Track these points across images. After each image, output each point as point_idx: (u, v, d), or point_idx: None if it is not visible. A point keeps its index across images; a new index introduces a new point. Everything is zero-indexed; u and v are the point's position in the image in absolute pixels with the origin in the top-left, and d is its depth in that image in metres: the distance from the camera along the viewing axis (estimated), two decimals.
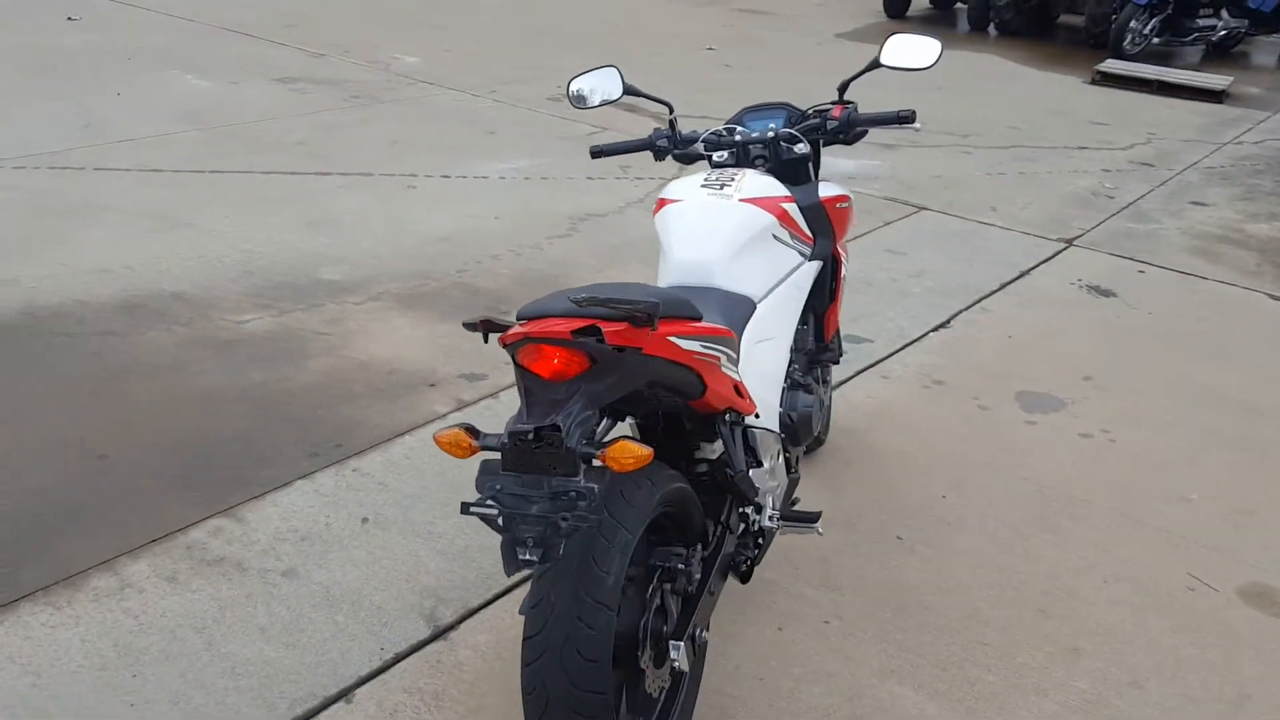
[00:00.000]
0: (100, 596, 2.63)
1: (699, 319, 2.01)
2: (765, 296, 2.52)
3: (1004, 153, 7.18)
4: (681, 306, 1.98)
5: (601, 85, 2.84)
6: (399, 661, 2.50)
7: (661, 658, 2.04)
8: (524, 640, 1.83)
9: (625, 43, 10.02)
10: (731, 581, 2.44)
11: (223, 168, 5.83)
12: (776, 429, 2.49)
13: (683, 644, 2.07)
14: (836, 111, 2.85)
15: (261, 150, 6.15)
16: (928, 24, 12.56)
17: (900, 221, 5.73)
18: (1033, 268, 5.19)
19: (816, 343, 3.01)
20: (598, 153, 2.83)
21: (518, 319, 1.77)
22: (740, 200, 2.52)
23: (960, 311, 4.62)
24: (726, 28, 11.33)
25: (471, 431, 1.73)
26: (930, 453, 3.49)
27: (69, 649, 2.48)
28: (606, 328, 1.72)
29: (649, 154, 2.84)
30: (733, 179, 2.59)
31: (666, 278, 2.47)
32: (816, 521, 2.60)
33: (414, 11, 10.73)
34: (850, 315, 4.24)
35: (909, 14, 12.84)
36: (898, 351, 4.22)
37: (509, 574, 1.73)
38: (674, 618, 2.10)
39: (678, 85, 7.34)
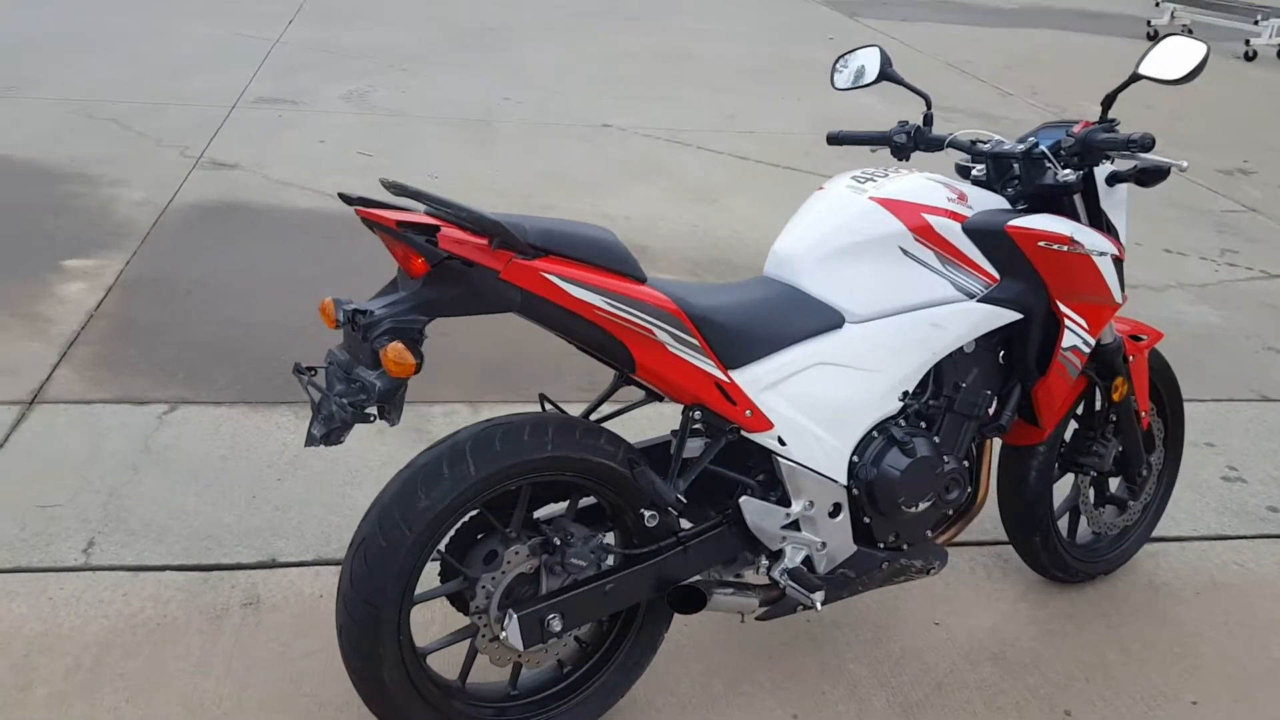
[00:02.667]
0: None
1: (621, 273, 1.77)
2: (870, 319, 2.05)
3: None
4: (598, 252, 1.77)
5: (859, 67, 2.48)
6: None
7: (489, 620, 1.91)
8: None
9: None
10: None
11: None
12: (837, 477, 2.03)
13: (517, 617, 1.85)
14: (1078, 129, 2.16)
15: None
16: None
17: None
18: None
19: (1001, 417, 2.31)
20: (834, 139, 2.50)
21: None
22: (871, 198, 2.07)
23: None
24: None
25: (340, 304, 1.73)
26: None
27: None
28: (452, 234, 1.66)
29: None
30: (886, 174, 2.14)
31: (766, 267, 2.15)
32: (817, 592, 2.06)
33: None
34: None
35: None
36: None
37: (305, 445, 1.75)
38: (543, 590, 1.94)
39: None
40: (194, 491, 2.74)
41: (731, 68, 8.56)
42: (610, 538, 2.03)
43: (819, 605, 2.07)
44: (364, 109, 6.44)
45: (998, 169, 2.29)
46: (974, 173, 2.34)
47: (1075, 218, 2.25)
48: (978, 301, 2.13)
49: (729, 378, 1.93)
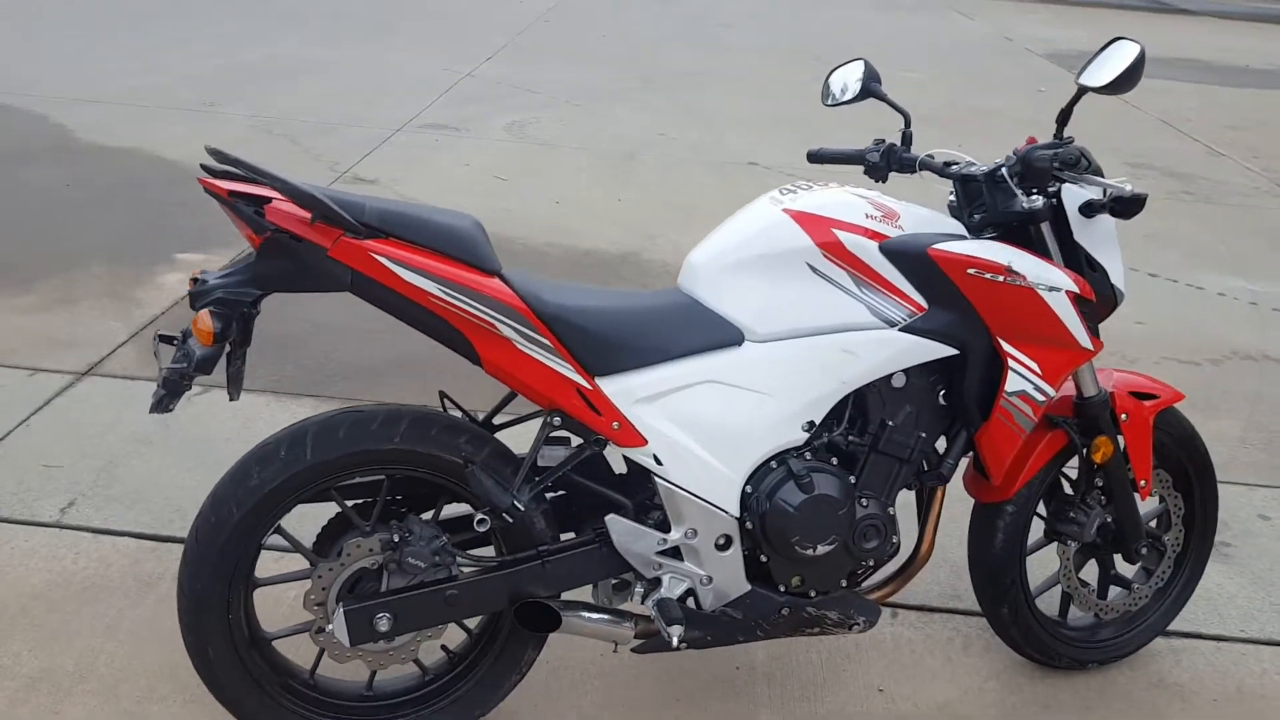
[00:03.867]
0: None
1: (465, 262, 1.72)
2: (772, 339, 1.89)
3: None
4: (442, 239, 1.73)
5: (844, 81, 2.30)
6: None
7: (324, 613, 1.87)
8: None
9: None
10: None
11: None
12: (725, 507, 1.89)
13: (343, 612, 1.81)
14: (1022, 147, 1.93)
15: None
16: None
17: None
18: None
19: (936, 462, 2.06)
20: (814, 157, 2.33)
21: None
22: (784, 210, 1.92)
23: None
24: None
25: (201, 273, 1.75)
26: None
27: None
28: (282, 208, 1.67)
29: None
30: (811, 187, 1.97)
31: None
32: (675, 626, 1.89)
33: None
34: None
35: None
36: None
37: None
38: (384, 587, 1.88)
39: None
40: (186, 468, 2.85)
41: (917, 114, 8.26)
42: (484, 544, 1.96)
43: (675, 641, 1.90)
44: (520, 138, 6.63)
45: (966, 194, 2.07)
46: (949, 199, 2.14)
47: (1044, 251, 2.00)
48: (899, 330, 1.92)
49: (593, 385, 1.82)
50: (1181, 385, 2.28)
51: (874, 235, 1.90)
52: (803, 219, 1.90)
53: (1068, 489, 2.27)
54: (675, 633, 1.89)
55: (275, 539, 1.89)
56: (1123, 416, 2.16)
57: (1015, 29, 13.08)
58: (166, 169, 5.47)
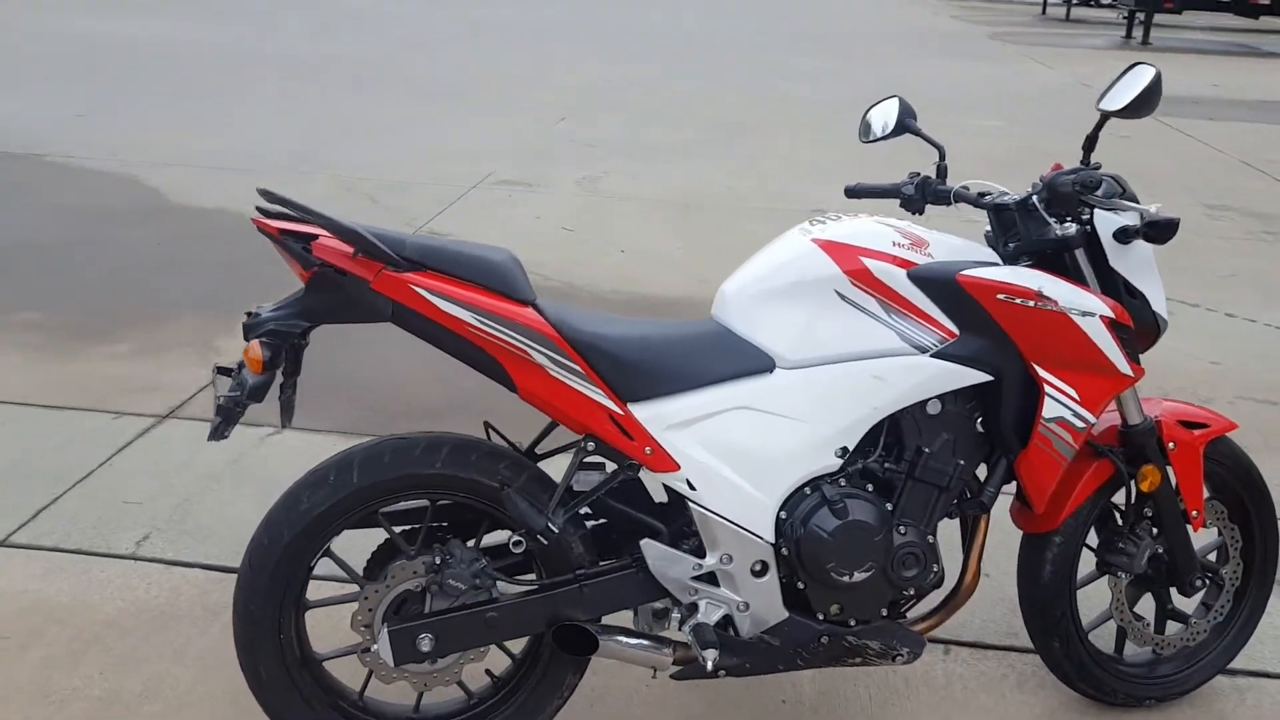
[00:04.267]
0: None
1: (499, 292, 1.80)
2: (803, 366, 1.93)
3: None
4: (479, 271, 1.82)
5: (881, 121, 2.34)
6: None
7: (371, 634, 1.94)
8: None
9: None
10: None
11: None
12: (760, 532, 1.92)
13: (387, 632, 1.88)
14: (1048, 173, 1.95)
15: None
16: None
17: None
18: None
19: (976, 491, 2.05)
20: (851, 192, 2.37)
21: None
22: (813, 240, 1.97)
23: None
24: None
25: (256, 308, 1.86)
26: None
27: None
28: (327, 244, 1.78)
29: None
30: (840, 218, 2.02)
31: None
32: (710, 650, 1.91)
33: None
34: None
35: None
36: None
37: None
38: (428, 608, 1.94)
39: None
40: (254, 505, 2.94)
41: (986, 160, 8.24)
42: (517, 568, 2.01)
43: (710, 665, 1.92)
44: (590, 192, 6.77)
45: (1001, 224, 2.09)
46: (986, 231, 2.16)
47: (1080, 278, 2.00)
48: (930, 356, 1.94)
49: (624, 410, 1.87)
50: (1257, 424, 2.24)
51: (902, 263, 1.93)
52: (831, 248, 1.94)
53: (1118, 520, 2.24)
54: (710, 657, 1.91)
55: (329, 567, 1.97)
56: (1170, 445, 2.13)
57: (1093, 77, 12.95)
58: (248, 227, 5.71)
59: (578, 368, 1.84)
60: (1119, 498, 2.21)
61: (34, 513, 2.89)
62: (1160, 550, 2.20)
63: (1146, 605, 2.32)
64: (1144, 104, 1.90)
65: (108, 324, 4.26)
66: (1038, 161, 8.17)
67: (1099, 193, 1.96)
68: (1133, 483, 2.12)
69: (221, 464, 3.16)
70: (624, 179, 7.15)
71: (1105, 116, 1.97)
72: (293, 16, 15.74)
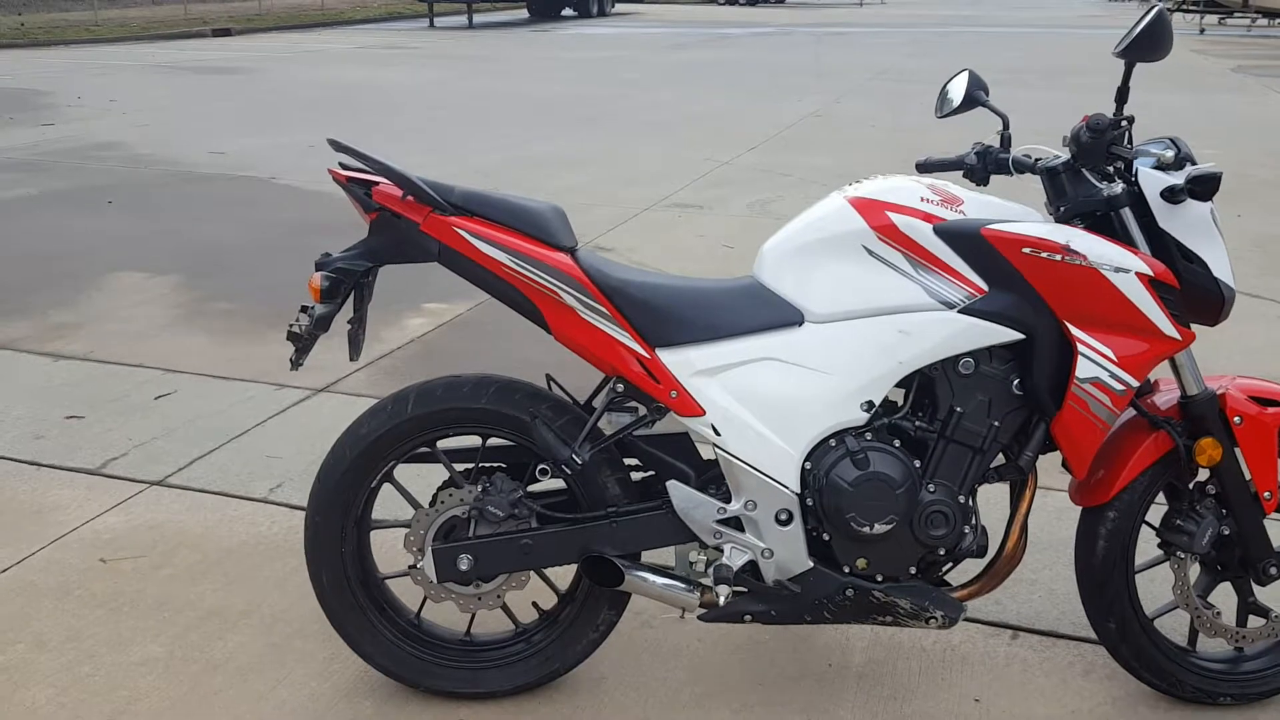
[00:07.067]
0: None
1: (538, 239, 1.96)
2: (830, 319, 1.99)
3: None
4: (520, 218, 1.99)
5: (951, 95, 2.35)
6: None
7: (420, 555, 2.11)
8: None
9: None
10: None
11: None
12: (785, 481, 1.99)
13: (431, 551, 2.05)
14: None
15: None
16: None
17: None
18: None
19: (1012, 457, 2.02)
20: (921, 167, 2.40)
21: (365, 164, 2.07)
22: (845, 198, 2.03)
23: None
24: None
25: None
26: None
27: None
28: (385, 190, 2.00)
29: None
30: (875, 178, 2.07)
31: None
32: (723, 585, 1.98)
33: None
34: None
35: None
36: None
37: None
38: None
39: None
40: None
41: None
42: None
43: (722, 599, 1.98)
44: (758, 214, 6.87)
45: (1054, 188, 2.08)
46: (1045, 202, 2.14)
47: (1128, 239, 1.96)
48: (958, 312, 1.95)
49: (651, 354, 1.98)
50: None
51: (928, 218, 1.96)
52: (859, 204, 1.99)
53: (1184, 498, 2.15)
54: (723, 593, 1.98)
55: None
56: (1235, 420, 2.04)
57: None
58: None
59: (605, 310, 1.96)
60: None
61: (190, 460, 3.25)
62: (1227, 532, 2.09)
63: (1226, 600, 2.20)
64: (1149, 40, 1.85)
65: (287, 314, 4.67)
66: (1248, 190, 7.69)
67: (1122, 142, 1.92)
68: (1188, 456, 2.04)
69: None
70: (798, 202, 7.21)
71: (1127, 61, 1.93)
72: (536, 66, 16.65)
